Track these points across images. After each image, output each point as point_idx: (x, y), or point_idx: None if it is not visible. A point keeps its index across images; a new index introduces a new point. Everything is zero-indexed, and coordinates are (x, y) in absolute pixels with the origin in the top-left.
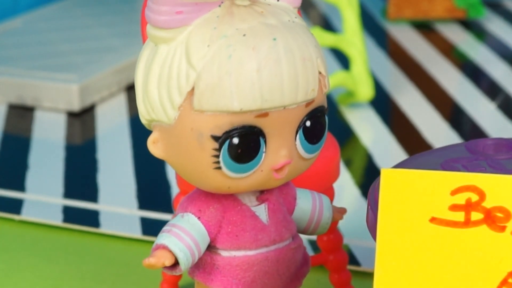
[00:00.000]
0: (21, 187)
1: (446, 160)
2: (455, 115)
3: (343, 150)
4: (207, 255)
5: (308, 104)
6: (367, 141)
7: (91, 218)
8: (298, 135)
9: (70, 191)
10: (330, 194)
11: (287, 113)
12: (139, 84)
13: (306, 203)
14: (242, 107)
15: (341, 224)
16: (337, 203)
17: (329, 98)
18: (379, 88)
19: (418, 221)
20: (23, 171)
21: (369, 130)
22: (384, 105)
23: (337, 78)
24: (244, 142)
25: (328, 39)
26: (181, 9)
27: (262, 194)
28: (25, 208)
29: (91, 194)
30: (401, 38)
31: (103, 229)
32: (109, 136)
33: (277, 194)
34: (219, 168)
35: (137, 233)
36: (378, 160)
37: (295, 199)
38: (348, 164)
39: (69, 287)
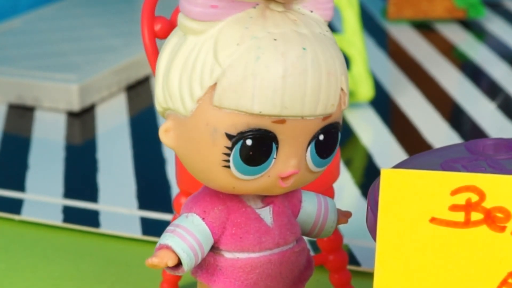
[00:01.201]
0: (21, 187)
1: (446, 160)
2: (455, 115)
3: (343, 150)
4: (210, 256)
5: (325, 118)
6: (367, 141)
7: (91, 218)
8: (309, 148)
9: (70, 191)
10: (330, 194)
11: (303, 124)
12: (161, 70)
13: (311, 206)
14: (262, 110)
15: (341, 225)
16: (337, 203)
17: None
18: (379, 88)
19: (418, 221)
20: (23, 171)
21: (369, 130)
22: (384, 105)
23: None
24: (257, 145)
25: None
26: (217, 3)
27: (267, 196)
28: (25, 208)
29: (91, 194)
30: (401, 38)
31: (103, 229)
32: (109, 136)
33: (282, 197)
34: (228, 167)
35: (137, 233)
36: (378, 160)
37: (300, 202)
38: (348, 164)
39: (69, 287)
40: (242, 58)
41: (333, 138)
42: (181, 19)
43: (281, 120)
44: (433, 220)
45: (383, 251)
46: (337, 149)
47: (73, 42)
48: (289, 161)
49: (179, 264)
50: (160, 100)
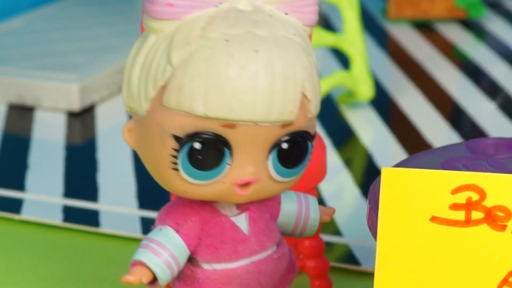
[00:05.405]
0: (21, 187)
1: (447, 160)
2: (455, 115)
3: (343, 150)
4: (187, 268)
5: (285, 126)
6: (367, 141)
7: (91, 218)
8: (271, 156)
9: (70, 191)
10: (313, 195)
11: (258, 130)
12: (127, 67)
13: (291, 206)
14: (207, 112)
15: (341, 224)
16: (337, 203)
17: (329, 98)
18: (379, 88)
19: (419, 220)
20: (23, 171)
21: (369, 130)
22: (384, 105)
23: (337, 78)
24: (207, 150)
25: (328, 39)
26: (173, 2)
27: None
28: (25, 208)
29: (91, 194)
30: (401, 38)
31: (103, 229)
32: (109, 136)
33: (259, 202)
34: (177, 169)
35: (137, 233)
36: (378, 160)
37: (279, 204)
38: (348, 164)
39: (69, 287)
40: (191, 58)
41: (300, 148)
42: (144, 18)
43: (230, 125)
44: (433, 219)
45: (383, 250)
46: (313, 157)
47: (73, 42)
48: (246, 168)
49: (155, 279)
50: (125, 99)
